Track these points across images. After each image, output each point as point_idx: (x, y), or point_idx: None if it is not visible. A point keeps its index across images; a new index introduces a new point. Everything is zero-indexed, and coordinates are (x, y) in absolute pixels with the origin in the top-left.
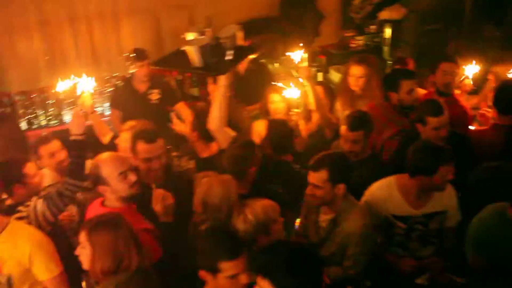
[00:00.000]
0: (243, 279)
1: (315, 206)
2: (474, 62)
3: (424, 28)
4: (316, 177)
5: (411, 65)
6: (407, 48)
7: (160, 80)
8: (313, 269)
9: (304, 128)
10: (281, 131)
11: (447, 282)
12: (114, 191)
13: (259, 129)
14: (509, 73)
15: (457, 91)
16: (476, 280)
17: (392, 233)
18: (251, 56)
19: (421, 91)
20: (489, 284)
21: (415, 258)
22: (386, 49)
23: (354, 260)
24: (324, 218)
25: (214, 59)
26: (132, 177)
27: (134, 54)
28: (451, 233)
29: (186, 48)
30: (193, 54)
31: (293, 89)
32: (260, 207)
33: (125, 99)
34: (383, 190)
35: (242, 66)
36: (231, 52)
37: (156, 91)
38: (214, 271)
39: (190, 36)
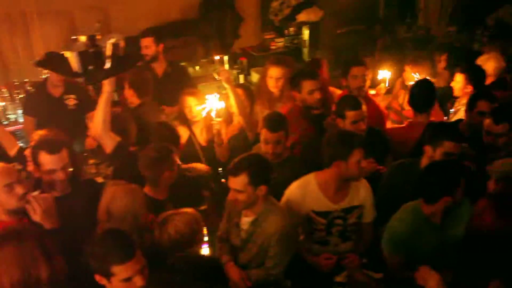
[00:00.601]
0: (138, 281)
1: (238, 209)
2: (385, 67)
3: (341, 30)
4: (237, 182)
5: (324, 67)
6: (326, 50)
7: (75, 84)
8: (221, 280)
9: (225, 133)
10: (163, 134)
11: (365, 279)
12: (0, 203)
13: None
14: (416, 74)
15: (372, 91)
16: (392, 276)
17: (313, 229)
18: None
19: (338, 92)
20: (405, 280)
21: (335, 254)
22: (305, 50)
23: (276, 261)
24: (246, 220)
25: (92, 67)
26: (19, 190)
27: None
28: (368, 229)
29: (65, 53)
30: (72, 60)
31: (215, 98)
32: (183, 223)
33: (40, 105)
34: (303, 187)
35: (160, 69)
36: (110, 60)
37: (72, 96)
38: (108, 275)
39: (82, 39)
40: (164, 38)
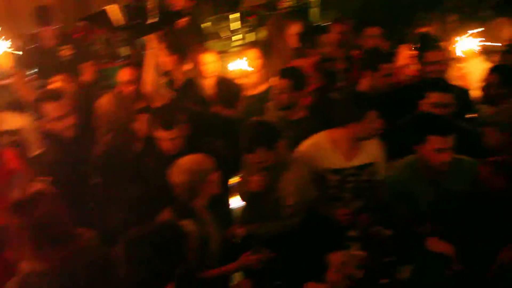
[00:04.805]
0: None
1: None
2: None
3: None
4: (258, 156)
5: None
6: (334, 11)
7: (69, 36)
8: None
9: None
10: (230, 86)
11: (377, 234)
12: None
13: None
14: None
15: None
16: (402, 231)
17: (326, 186)
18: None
19: None
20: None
21: None
22: (313, 11)
23: (292, 210)
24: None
25: (136, 21)
26: None
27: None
28: (380, 186)
29: (109, 7)
30: (116, 13)
31: (241, 61)
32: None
33: (33, 58)
34: (315, 145)
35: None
36: (155, 14)
37: (67, 46)
38: None
39: None
40: None
